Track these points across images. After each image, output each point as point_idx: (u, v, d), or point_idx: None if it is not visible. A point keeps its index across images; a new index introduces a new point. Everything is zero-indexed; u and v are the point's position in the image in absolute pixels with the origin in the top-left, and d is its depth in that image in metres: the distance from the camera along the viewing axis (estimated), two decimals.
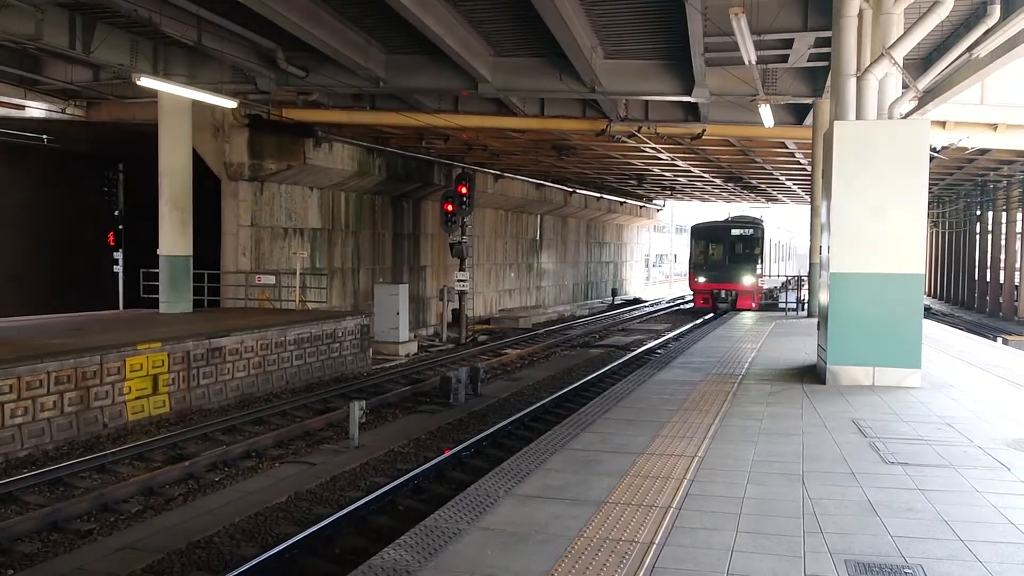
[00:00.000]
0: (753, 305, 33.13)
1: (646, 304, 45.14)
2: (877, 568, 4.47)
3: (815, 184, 18.55)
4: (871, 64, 10.41)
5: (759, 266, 34.70)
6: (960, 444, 7.32)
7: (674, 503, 5.51)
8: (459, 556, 4.56)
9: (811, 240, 19.71)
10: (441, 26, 13.83)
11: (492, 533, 4.91)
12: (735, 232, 35.64)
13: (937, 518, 5.29)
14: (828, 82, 14.64)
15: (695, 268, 35.98)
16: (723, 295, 34.61)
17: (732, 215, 40.50)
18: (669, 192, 46.26)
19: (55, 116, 20.06)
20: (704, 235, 36.45)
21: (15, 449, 10.96)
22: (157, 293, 18.84)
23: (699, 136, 21.47)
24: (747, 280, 34.34)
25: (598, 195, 43.44)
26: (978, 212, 40.70)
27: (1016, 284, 35.62)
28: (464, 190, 24.80)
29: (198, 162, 19.70)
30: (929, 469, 6.48)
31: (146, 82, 14.70)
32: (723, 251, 35.28)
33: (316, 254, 23.73)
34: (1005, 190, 35.89)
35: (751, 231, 35.49)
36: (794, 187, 40.02)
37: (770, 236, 38.29)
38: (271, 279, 20.90)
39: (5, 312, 18.98)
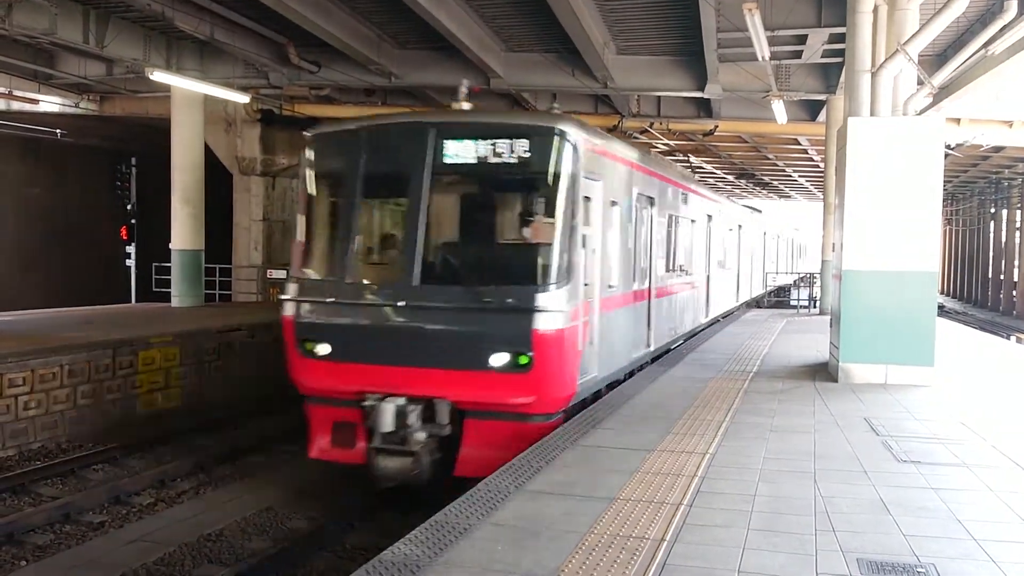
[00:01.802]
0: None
1: None
2: (889, 567, 4.44)
3: (828, 181, 18.45)
4: (886, 60, 10.33)
5: (566, 285, 7.92)
6: (974, 443, 7.27)
7: (685, 500, 5.49)
8: (469, 551, 4.55)
9: (824, 237, 19.61)
10: (454, 21, 13.82)
11: (502, 529, 4.90)
12: (457, 156, 8.19)
13: (950, 517, 5.25)
14: (842, 78, 14.56)
15: (301, 317, 8.40)
16: (397, 423, 7.79)
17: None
18: None
19: (69, 110, 20.17)
20: (340, 170, 8.84)
21: (28, 441, 11.02)
22: (169, 287, 18.92)
23: (711, 132, 21.42)
24: (498, 358, 7.74)
25: None
26: (992, 210, 40.43)
27: None
28: None
29: (210, 156, 19.77)
30: (942, 468, 6.43)
31: (159, 76, 14.75)
32: (410, 244, 8.10)
33: None
34: (1020, 187, 35.63)
35: (524, 153, 8.02)
36: (807, 184, 39.86)
37: (642, 190, 11.02)
38: (283, 273, 20.96)
39: (19, 304, 19.10)
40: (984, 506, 5.51)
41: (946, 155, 13.48)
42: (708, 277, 17.06)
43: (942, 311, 29.62)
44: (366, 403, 7.94)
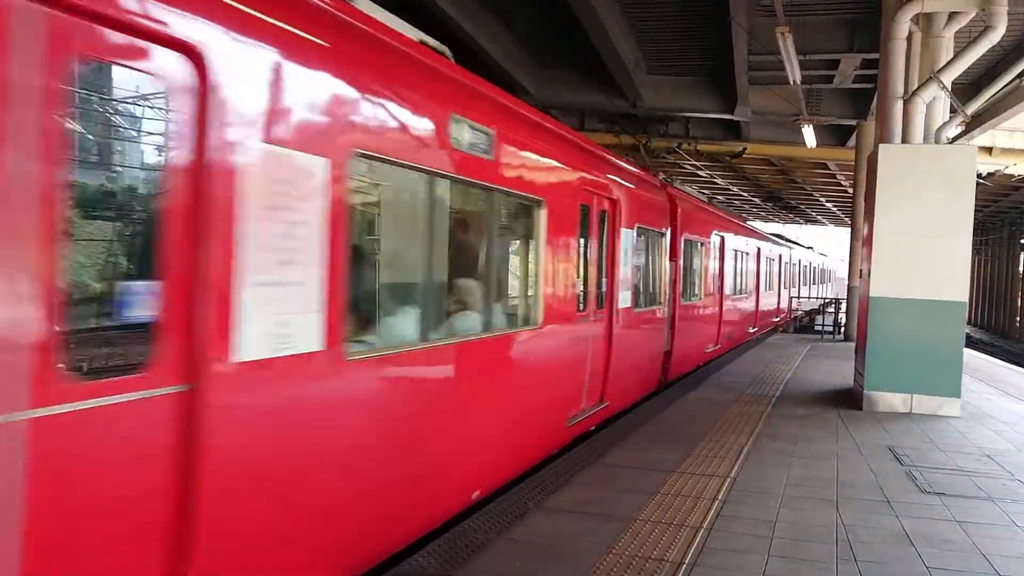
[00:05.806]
0: None
1: None
2: None
3: (857, 206, 18.33)
4: (919, 88, 10.28)
5: None
6: (999, 476, 7.16)
7: (705, 523, 5.45)
8: (486, 567, 4.54)
9: (850, 263, 19.46)
10: (485, 37, 13.91)
11: (520, 545, 4.89)
12: None
13: (974, 551, 5.18)
14: (873, 104, 14.50)
15: None
16: None
17: None
18: None
19: None
20: None
21: None
22: None
23: (739, 154, 21.37)
24: None
25: None
26: (1023, 241, 39.96)
27: None
28: None
29: None
30: (967, 501, 6.34)
31: None
32: None
33: None
34: None
35: None
36: (834, 209, 39.62)
37: None
38: None
39: None
40: (1009, 541, 5.42)
41: (977, 184, 13.37)
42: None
43: (969, 342, 29.27)
44: None
